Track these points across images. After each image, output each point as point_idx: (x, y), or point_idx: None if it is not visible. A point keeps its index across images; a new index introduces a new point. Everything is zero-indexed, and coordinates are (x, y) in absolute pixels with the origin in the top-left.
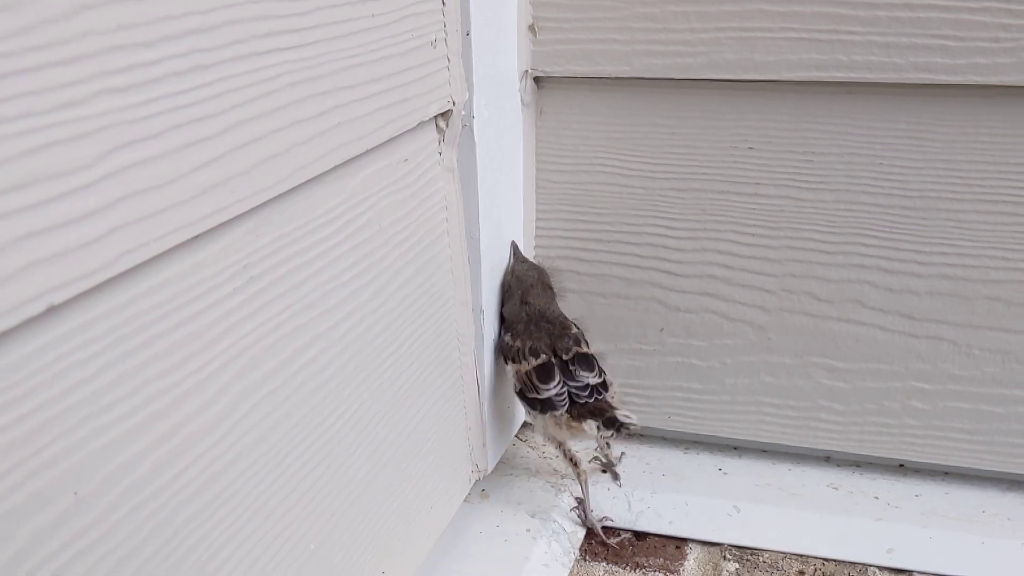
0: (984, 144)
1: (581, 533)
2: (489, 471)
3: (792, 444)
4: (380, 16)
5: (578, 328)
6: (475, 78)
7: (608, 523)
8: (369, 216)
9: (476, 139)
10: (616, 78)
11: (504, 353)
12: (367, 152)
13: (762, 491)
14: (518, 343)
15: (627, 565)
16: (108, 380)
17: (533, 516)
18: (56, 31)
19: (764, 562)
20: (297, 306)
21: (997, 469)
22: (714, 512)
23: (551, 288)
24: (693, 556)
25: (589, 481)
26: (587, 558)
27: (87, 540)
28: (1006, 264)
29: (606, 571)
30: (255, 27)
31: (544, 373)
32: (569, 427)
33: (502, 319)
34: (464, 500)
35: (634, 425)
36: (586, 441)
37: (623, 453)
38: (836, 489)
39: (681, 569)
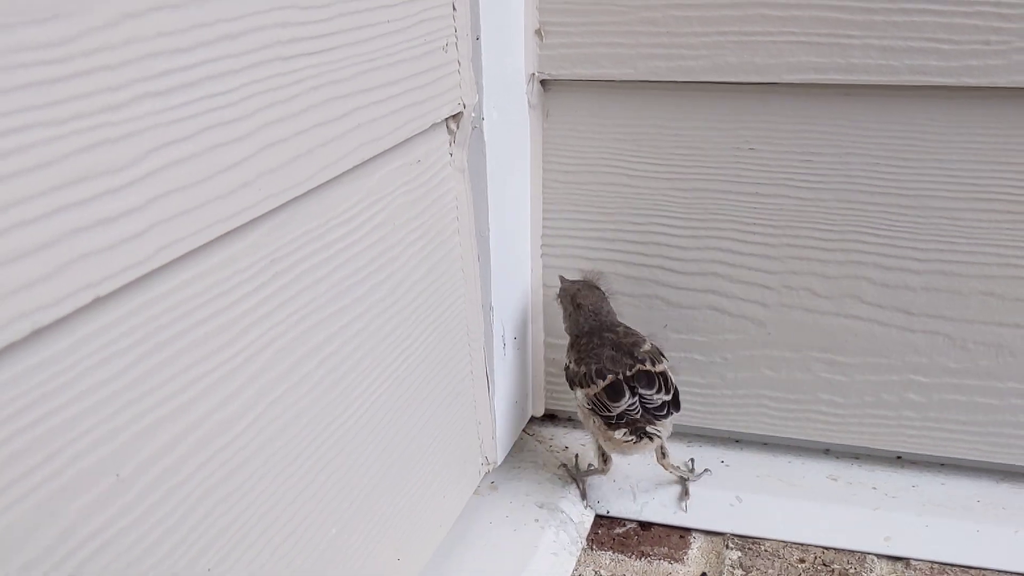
0: (977, 143)
1: (589, 523)
2: (499, 463)
3: (792, 436)
4: (395, 22)
5: (651, 344)
6: (484, 81)
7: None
8: (385, 215)
9: (486, 140)
10: (620, 81)
11: (570, 380)
12: (384, 153)
13: (763, 482)
14: (582, 368)
15: (633, 554)
16: (147, 368)
17: (541, 507)
18: (103, 38)
19: (766, 551)
20: (319, 300)
21: (992, 460)
22: (717, 503)
23: (598, 288)
24: (697, 545)
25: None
26: (594, 547)
27: (128, 519)
28: (999, 260)
29: (612, 559)
30: (280, 33)
31: (614, 391)
32: (605, 436)
33: (570, 345)
34: (475, 492)
35: (658, 435)
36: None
37: (706, 470)
38: (835, 480)
39: (685, 558)
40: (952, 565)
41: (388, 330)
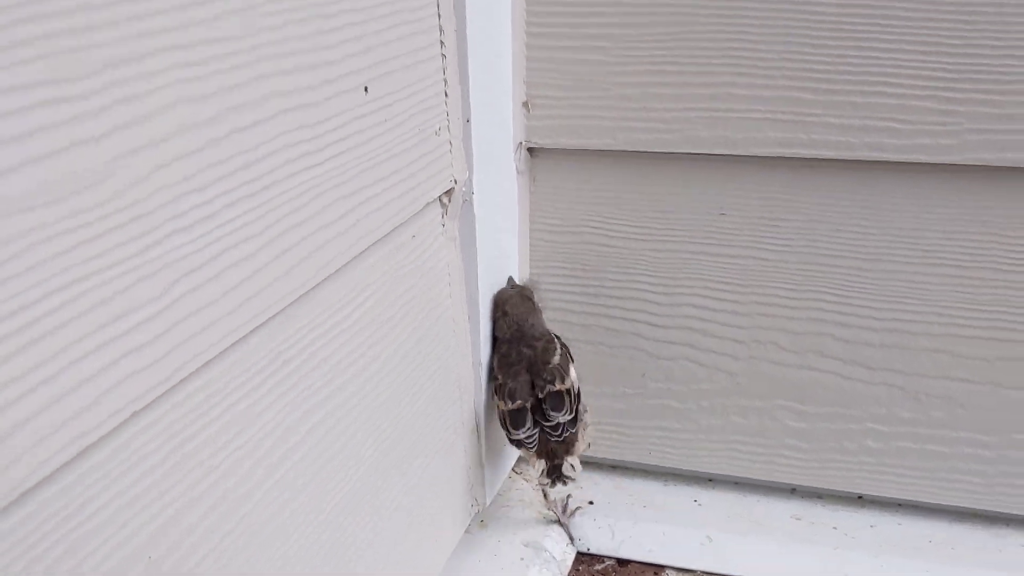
0: (930, 214)
1: (570, 560)
2: (487, 504)
3: (760, 478)
4: (392, 119)
5: (563, 348)
6: (474, 159)
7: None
8: (381, 293)
9: (476, 212)
10: (602, 150)
11: (490, 381)
12: (380, 239)
13: (733, 522)
14: (500, 377)
15: None
16: (172, 464)
17: (527, 545)
18: (135, 193)
19: None
20: (318, 383)
21: (943, 503)
22: (689, 541)
23: (531, 300)
24: None
25: (577, 512)
26: None
27: None
28: (949, 320)
29: None
30: (291, 152)
31: (518, 418)
32: (529, 459)
33: (494, 340)
34: (465, 530)
35: (572, 480)
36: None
37: (578, 508)
38: (799, 520)
39: None
40: None
41: (383, 399)
